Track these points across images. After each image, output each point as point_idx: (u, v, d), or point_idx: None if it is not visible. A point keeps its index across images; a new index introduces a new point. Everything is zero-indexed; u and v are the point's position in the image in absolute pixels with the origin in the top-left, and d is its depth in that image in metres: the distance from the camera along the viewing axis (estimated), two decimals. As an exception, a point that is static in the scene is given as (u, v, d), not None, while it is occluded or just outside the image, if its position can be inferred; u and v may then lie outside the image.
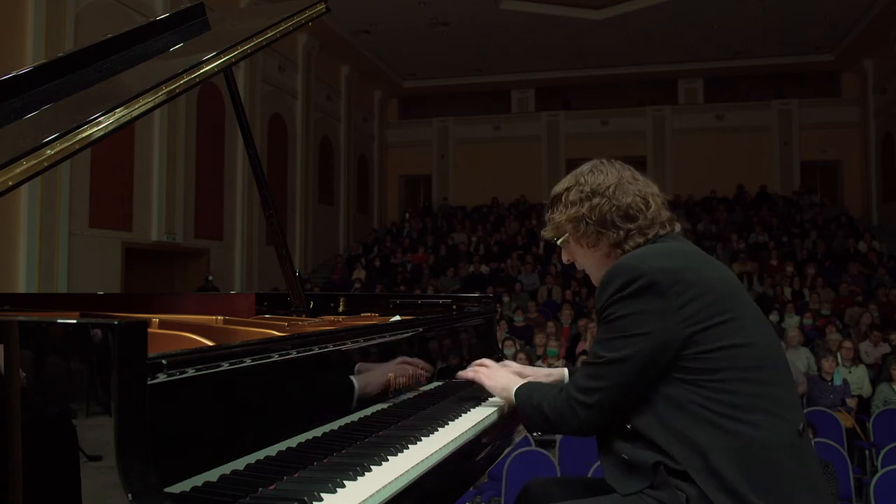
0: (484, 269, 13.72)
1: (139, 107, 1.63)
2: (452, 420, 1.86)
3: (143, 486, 1.01)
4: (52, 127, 1.48)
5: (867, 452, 5.89)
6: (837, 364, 7.13)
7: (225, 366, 1.27)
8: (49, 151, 1.39)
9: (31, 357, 1.06)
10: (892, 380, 6.65)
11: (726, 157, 17.65)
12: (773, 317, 9.99)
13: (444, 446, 1.62)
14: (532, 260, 13.78)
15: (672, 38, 15.95)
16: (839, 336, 8.47)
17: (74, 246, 9.41)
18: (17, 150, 1.35)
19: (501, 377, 1.91)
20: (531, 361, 6.96)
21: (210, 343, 1.48)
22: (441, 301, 2.83)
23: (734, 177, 17.38)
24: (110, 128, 1.54)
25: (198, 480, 1.17)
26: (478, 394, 2.11)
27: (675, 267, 1.50)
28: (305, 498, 1.20)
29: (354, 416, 1.68)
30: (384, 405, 1.83)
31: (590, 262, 1.74)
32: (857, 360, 7.61)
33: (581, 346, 8.51)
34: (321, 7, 2.46)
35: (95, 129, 1.50)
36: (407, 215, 18.63)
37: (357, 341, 1.76)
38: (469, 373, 2.00)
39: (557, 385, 1.81)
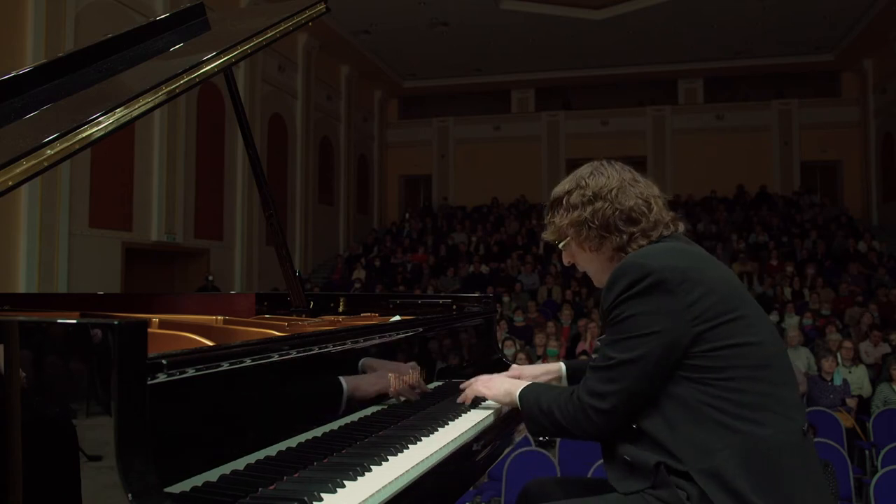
0: (484, 269, 13.72)
1: (139, 107, 1.63)
2: (452, 420, 1.86)
3: (143, 486, 1.01)
4: (52, 127, 1.48)
5: (867, 452, 5.89)
6: (837, 364, 7.13)
7: (225, 366, 1.27)
8: (49, 151, 1.39)
9: (31, 357, 1.06)
10: (892, 380, 6.65)
11: (726, 157, 17.65)
12: (773, 317, 9.98)
13: (444, 446, 1.62)
14: (532, 260, 13.78)
15: (672, 38, 15.95)
16: (839, 336, 8.46)
17: (74, 246, 9.41)
18: (17, 150, 1.35)
19: (500, 384, 1.88)
20: (531, 361, 6.95)
21: (210, 343, 1.48)
22: (441, 301, 2.83)
23: (734, 177, 17.38)
24: (110, 128, 1.54)
25: (198, 480, 1.17)
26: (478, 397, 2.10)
27: (682, 265, 1.49)
28: (305, 498, 1.20)
29: (354, 416, 1.68)
30: (384, 405, 1.83)
31: (593, 265, 1.73)
32: (857, 360, 7.61)
33: (581, 346, 8.50)
34: (321, 7, 2.46)
35: (95, 129, 1.50)
36: (407, 215, 18.63)
37: (357, 341, 1.76)
38: (467, 393, 1.96)
39: (562, 387, 1.80)
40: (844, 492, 4.60)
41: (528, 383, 1.81)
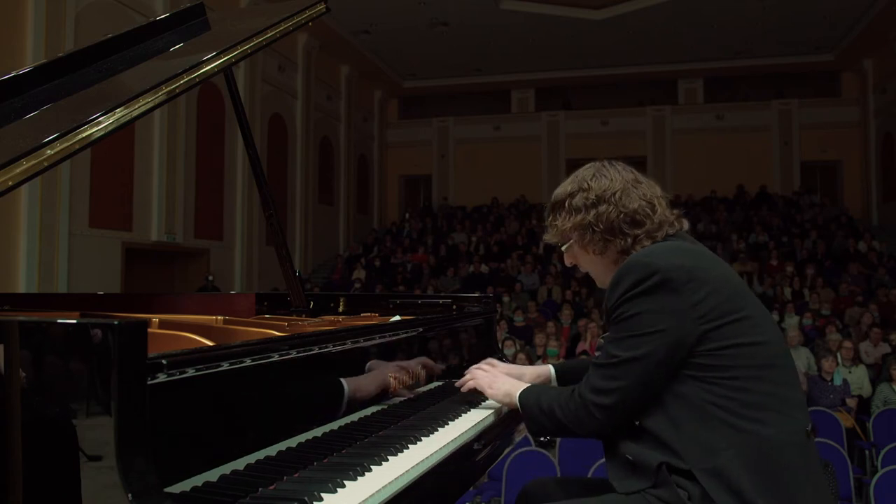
0: (484, 269, 13.72)
1: (139, 107, 1.63)
2: (452, 420, 1.86)
3: (143, 486, 1.01)
4: (52, 127, 1.48)
5: (867, 452, 5.89)
6: (837, 364, 7.12)
7: (225, 366, 1.27)
8: (49, 151, 1.39)
9: (31, 357, 1.06)
10: (892, 380, 6.65)
11: (726, 157, 17.66)
12: (773, 317, 9.93)
13: (444, 446, 1.62)
14: (532, 260, 13.78)
15: (672, 38, 15.95)
16: (839, 336, 8.47)
17: (74, 246, 9.41)
18: (17, 150, 1.35)
19: (502, 383, 1.87)
20: (531, 361, 6.95)
21: (210, 343, 1.48)
22: (441, 301, 2.83)
23: (734, 177, 17.38)
24: (110, 128, 1.54)
25: (198, 480, 1.17)
26: (478, 394, 2.10)
27: (688, 265, 1.48)
28: (305, 498, 1.20)
29: (354, 416, 1.68)
30: (384, 405, 1.83)
31: (596, 267, 1.72)
32: (857, 360, 7.61)
33: (581, 346, 8.50)
34: (321, 7, 2.46)
35: (95, 129, 1.50)
36: (407, 215, 18.63)
37: (357, 341, 1.76)
38: (468, 382, 1.97)
39: (563, 387, 1.80)
40: (844, 492, 4.60)
41: (528, 385, 1.80)
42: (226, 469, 1.23)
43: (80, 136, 1.46)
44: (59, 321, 1.07)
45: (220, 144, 12.47)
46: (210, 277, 11.66)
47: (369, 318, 2.44)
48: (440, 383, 2.22)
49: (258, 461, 1.31)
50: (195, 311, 2.73)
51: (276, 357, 1.42)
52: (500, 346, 2.98)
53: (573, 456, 4.84)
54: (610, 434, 1.58)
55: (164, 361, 1.13)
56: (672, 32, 15.53)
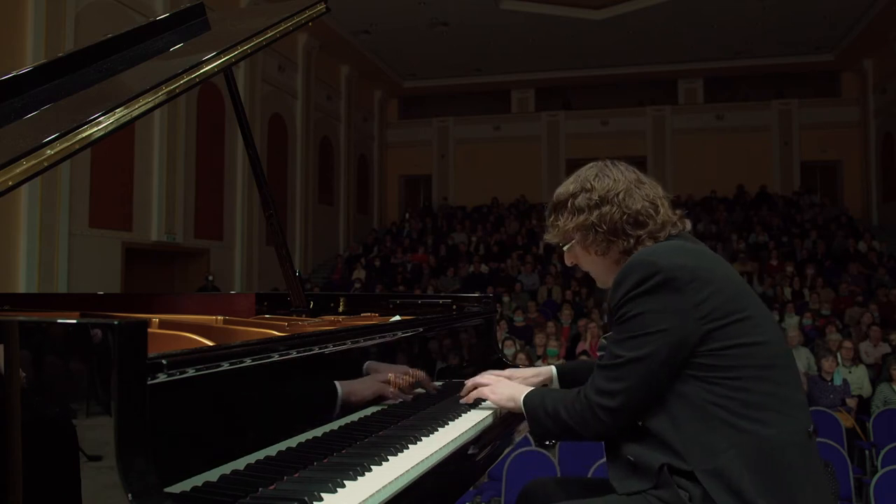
0: (484, 269, 13.72)
1: (139, 107, 1.63)
2: (452, 420, 1.86)
3: (143, 486, 1.01)
4: (52, 127, 1.48)
5: (867, 452, 5.88)
6: (837, 364, 7.12)
7: (225, 366, 1.27)
8: (49, 151, 1.39)
9: (31, 357, 1.06)
10: (892, 380, 6.64)
11: (726, 157, 17.66)
12: (773, 317, 9.97)
13: (444, 446, 1.62)
14: (532, 260, 13.78)
15: (672, 38, 15.95)
16: (839, 336, 8.46)
17: (74, 246, 9.41)
18: (17, 150, 1.35)
19: (504, 388, 1.86)
20: (531, 361, 6.95)
21: (210, 343, 1.48)
22: (441, 301, 2.83)
23: (734, 177, 17.39)
24: (110, 128, 1.54)
25: (198, 480, 1.17)
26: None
27: (691, 264, 1.48)
28: (305, 498, 1.20)
29: (354, 416, 1.68)
30: (384, 405, 1.83)
31: (598, 268, 1.71)
32: (857, 360, 7.61)
33: (581, 346, 8.50)
34: (321, 7, 2.45)
35: (95, 129, 1.50)
36: (407, 215, 18.63)
37: (357, 341, 1.75)
38: (472, 393, 1.96)
39: (566, 390, 1.79)
40: (844, 492, 4.60)
41: (532, 388, 1.79)
42: (226, 469, 1.23)
43: (80, 136, 1.46)
44: (59, 321, 1.07)
45: (220, 144, 12.47)
46: (210, 277, 11.66)
47: (369, 319, 2.44)
48: (440, 383, 2.22)
49: (258, 461, 1.31)
50: (195, 311, 2.73)
51: (276, 357, 1.41)
52: (500, 346, 2.98)
53: (573, 456, 4.84)
54: (613, 435, 1.57)
55: (164, 361, 1.13)
56: (672, 32, 15.53)
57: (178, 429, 1.17)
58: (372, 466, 1.40)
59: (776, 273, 12.43)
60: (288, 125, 14.74)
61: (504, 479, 4.42)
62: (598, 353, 1.65)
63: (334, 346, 1.64)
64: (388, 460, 1.46)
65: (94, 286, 9.01)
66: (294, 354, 1.48)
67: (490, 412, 1.96)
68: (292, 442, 1.42)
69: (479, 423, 1.87)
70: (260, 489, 1.26)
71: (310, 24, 2.42)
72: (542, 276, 12.98)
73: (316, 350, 1.57)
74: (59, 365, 1.07)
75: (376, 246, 16.35)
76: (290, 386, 1.48)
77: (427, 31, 15.38)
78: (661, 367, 1.45)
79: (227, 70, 2.12)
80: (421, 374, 2.04)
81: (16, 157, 1.33)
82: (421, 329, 2.15)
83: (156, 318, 1.93)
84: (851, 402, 6.75)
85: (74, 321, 1.06)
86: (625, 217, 1.61)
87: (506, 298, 11.62)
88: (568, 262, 1.78)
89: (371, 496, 1.26)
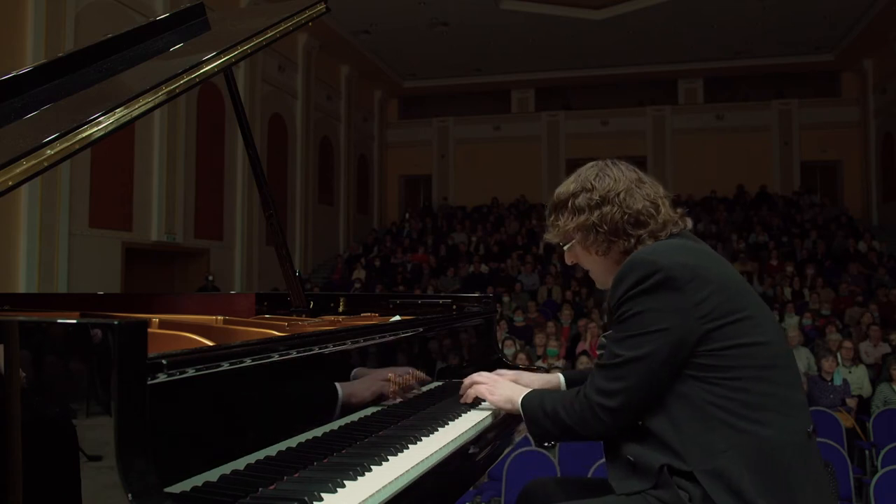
0: (484, 269, 13.72)
1: (139, 107, 1.63)
2: (452, 420, 1.86)
3: (143, 486, 1.01)
4: (52, 127, 1.48)
5: (867, 452, 5.88)
6: (837, 364, 7.12)
7: (225, 366, 1.27)
8: (49, 151, 1.39)
9: (31, 357, 1.06)
10: (892, 380, 6.64)
11: (726, 157, 17.66)
12: (774, 317, 9.97)
13: (444, 446, 1.62)
14: (532, 260, 13.78)
15: (672, 38, 15.95)
16: (839, 336, 8.46)
17: (74, 246, 9.41)
18: (17, 150, 1.35)
19: (503, 389, 1.85)
20: (531, 361, 6.96)
21: (210, 343, 1.48)
22: (441, 301, 2.83)
23: (734, 177, 17.39)
24: (110, 128, 1.54)
25: (198, 480, 1.17)
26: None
27: (691, 263, 1.47)
28: (305, 498, 1.20)
29: (354, 416, 1.68)
30: (384, 405, 1.83)
31: (598, 267, 1.71)
32: (857, 360, 7.61)
33: (581, 346, 8.50)
34: (321, 7, 2.45)
35: (95, 129, 1.50)
36: (407, 215, 18.63)
37: (357, 341, 1.75)
38: (469, 392, 1.95)
39: (565, 390, 1.79)
40: (844, 492, 4.60)
41: (530, 390, 1.78)
42: (226, 469, 1.23)
43: (80, 136, 1.46)
44: (59, 321, 1.07)
45: (220, 144, 12.47)
46: (210, 277, 11.66)
47: (369, 319, 2.44)
48: (440, 383, 2.22)
49: (258, 461, 1.31)
50: (195, 311, 2.73)
51: (276, 357, 1.41)
52: (500, 346, 2.98)
53: (573, 456, 4.84)
54: (613, 435, 1.57)
55: (164, 361, 1.13)
56: (672, 32, 15.53)
57: (179, 429, 1.17)
58: (372, 466, 1.40)
59: (776, 273, 12.43)
60: (288, 125, 14.74)
61: (504, 479, 4.42)
62: (598, 353, 1.65)
63: (334, 346, 1.64)
64: (388, 460, 1.46)
65: (94, 286, 9.01)
66: (294, 354, 1.48)
67: (490, 412, 1.96)
68: (292, 442, 1.42)
69: (479, 422, 1.87)
70: (260, 489, 1.26)
71: (310, 24, 2.42)
72: (542, 276, 12.99)
73: (316, 350, 1.56)
74: (59, 365, 1.07)
75: (376, 246, 16.35)
76: (290, 386, 1.48)
77: (427, 31, 15.38)
78: (661, 366, 1.44)
79: (227, 70, 2.12)
80: (420, 374, 2.04)
81: (16, 157, 1.33)
82: (421, 329, 2.15)
83: (156, 318, 1.93)
84: (851, 402, 6.75)
85: (74, 321, 1.06)
86: (626, 217, 1.60)
87: (506, 298, 11.62)
88: (568, 262, 1.77)
89: (371, 496, 1.26)
